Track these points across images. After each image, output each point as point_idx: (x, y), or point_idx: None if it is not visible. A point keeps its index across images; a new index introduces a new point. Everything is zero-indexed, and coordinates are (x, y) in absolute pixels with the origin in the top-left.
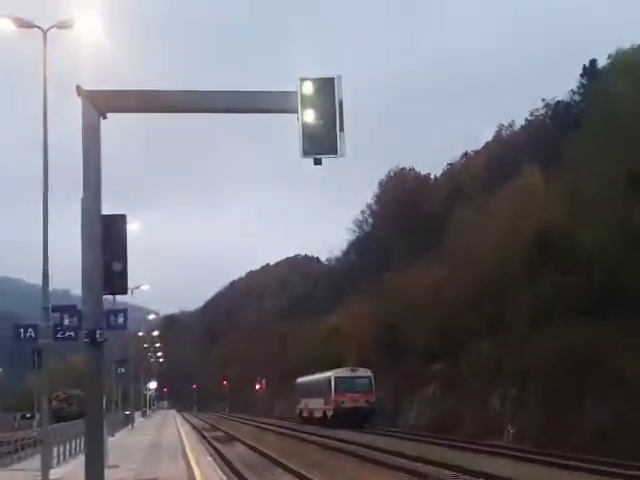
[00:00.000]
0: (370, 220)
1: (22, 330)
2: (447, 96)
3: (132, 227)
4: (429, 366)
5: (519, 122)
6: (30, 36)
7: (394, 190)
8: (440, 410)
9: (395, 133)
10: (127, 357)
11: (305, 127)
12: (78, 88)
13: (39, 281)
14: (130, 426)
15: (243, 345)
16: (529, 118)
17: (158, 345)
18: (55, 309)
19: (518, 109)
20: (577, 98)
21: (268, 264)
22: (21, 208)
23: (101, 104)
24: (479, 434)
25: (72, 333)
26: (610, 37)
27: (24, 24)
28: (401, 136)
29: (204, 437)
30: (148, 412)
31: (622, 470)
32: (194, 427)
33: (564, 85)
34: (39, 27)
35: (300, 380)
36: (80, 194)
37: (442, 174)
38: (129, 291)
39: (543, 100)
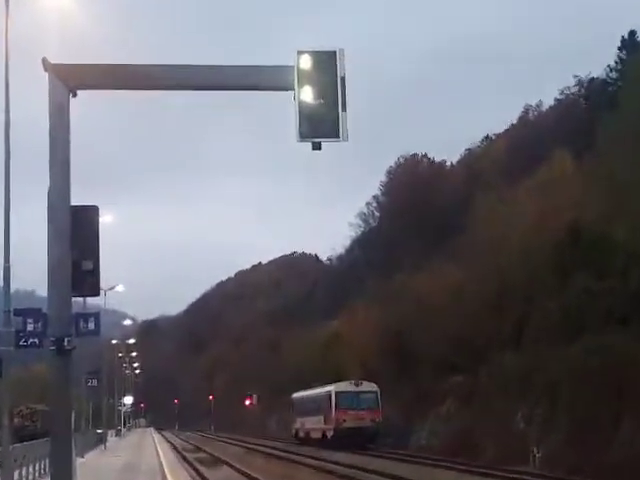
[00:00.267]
0: (377, 213)
1: None
2: (465, 74)
3: (105, 219)
4: (444, 379)
5: (547, 102)
6: None
7: (404, 179)
8: (456, 430)
9: (405, 115)
10: (99, 368)
11: (302, 106)
12: (44, 61)
13: None
14: (102, 446)
15: (231, 354)
16: (559, 97)
17: (135, 354)
18: (17, 313)
19: (547, 87)
20: (614, 75)
21: (260, 263)
22: None
23: (70, 80)
24: (501, 458)
25: (36, 340)
26: None
27: None
28: (412, 118)
29: (185, 459)
30: (123, 431)
31: None
32: (174, 447)
33: (599, 60)
34: None
35: (296, 395)
36: (46, 182)
37: (459, 160)
38: (102, 292)
39: (575, 77)
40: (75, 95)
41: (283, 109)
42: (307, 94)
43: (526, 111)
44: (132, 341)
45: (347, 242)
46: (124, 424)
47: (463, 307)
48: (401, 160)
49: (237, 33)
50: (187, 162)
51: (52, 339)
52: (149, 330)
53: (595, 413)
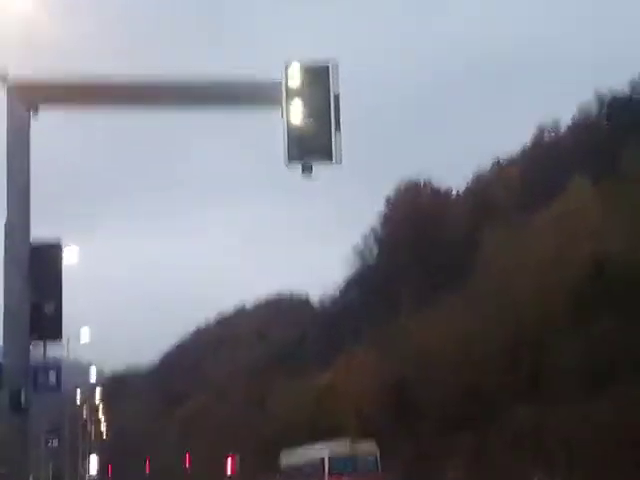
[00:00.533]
0: (375, 248)
1: None
2: (471, 91)
3: (70, 256)
4: (451, 436)
5: (565, 122)
6: None
7: (405, 209)
8: None
9: (405, 135)
10: (61, 426)
11: (292, 126)
12: (1, 75)
13: None
14: None
15: (211, 410)
16: (578, 117)
17: (101, 410)
18: None
19: (564, 106)
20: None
21: (244, 307)
22: None
23: (32, 96)
24: None
25: None
26: None
27: None
28: (412, 139)
29: None
30: None
31: None
32: None
33: (622, 75)
34: None
35: (283, 457)
36: (3, 213)
37: (467, 188)
38: (64, 340)
39: (596, 94)
40: (37, 113)
41: (271, 128)
42: (297, 112)
43: (541, 132)
44: (99, 396)
45: (341, 281)
46: None
47: (471, 353)
48: (402, 188)
49: (221, 43)
50: (164, 190)
51: (8, 394)
52: (118, 383)
53: (622, 478)
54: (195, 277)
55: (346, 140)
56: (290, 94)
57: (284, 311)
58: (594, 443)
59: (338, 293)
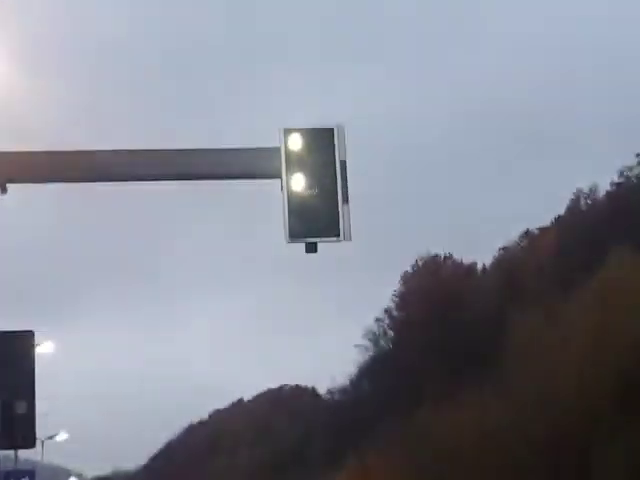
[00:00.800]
0: (390, 332)
1: None
2: (497, 151)
3: (44, 348)
4: None
5: (604, 187)
6: None
7: (424, 287)
8: None
9: (422, 201)
10: None
11: (293, 198)
12: None
13: None
14: None
15: None
16: (618, 182)
17: None
18: None
19: (603, 169)
20: None
21: (242, 400)
22: None
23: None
24: None
25: None
26: None
27: None
28: (429, 211)
29: None
30: None
31: None
32: None
33: None
34: None
35: None
36: None
37: (493, 263)
38: (38, 442)
39: (638, 156)
40: (5, 191)
41: (270, 201)
42: (298, 182)
43: (576, 199)
44: None
45: (352, 370)
46: None
47: (502, 454)
48: (419, 263)
49: (211, 108)
50: (150, 275)
51: None
52: None
53: None
54: (186, 370)
55: (355, 213)
56: (290, 162)
57: (287, 404)
58: None
59: (348, 383)
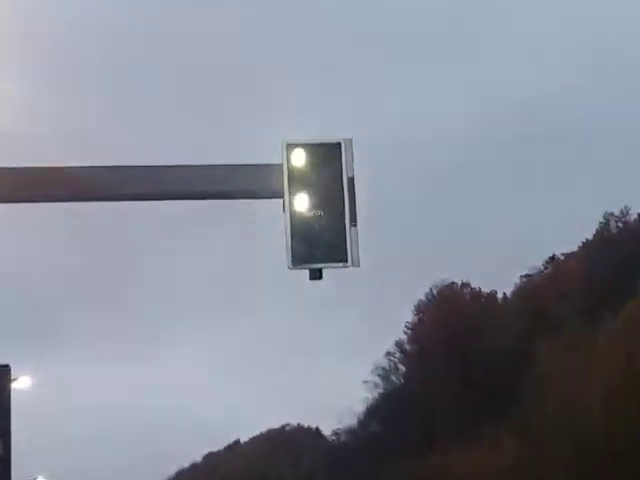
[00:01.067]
0: (402, 367)
1: None
2: (518, 169)
3: (21, 383)
4: None
5: (636, 209)
6: None
7: (439, 317)
8: None
9: (437, 229)
10: None
11: (296, 220)
12: None
13: None
14: None
15: None
16: None
17: None
18: None
19: (634, 190)
20: None
21: (238, 441)
22: None
23: None
24: None
25: None
26: None
27: None
28: (447, 234)
29: None
30: None
31: None
32: None
33: None
34: None
35: None
36: None
37: (515, 291)
38: None
39: None
40: None
41: (271, 221)
42: (302, 202)
43: (606, 222)
44: None
45: (360, 409)
46: None
47: None
48: (435, 291)
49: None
50: (138, 301)
51: None
52: None
53: None
54: (176, 407)
55: (363, 237)
56: (293, 180)
57: (289, 446)
58: None
59: (356, 423)
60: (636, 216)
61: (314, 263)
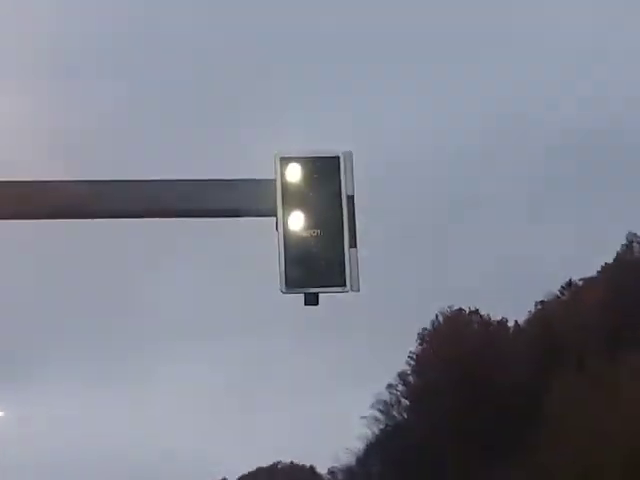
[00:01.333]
0: (404, 401)
1: None
2: (530, 186)
3: None
4: None
5: None
6: None
7: (445, 346)
8: None
9: (443, 251)
10: None
11: (290, 240)
12: None
13: None
14: None
15: None
16: None
17: None
18: None
19: None
20: None
21: None
22: None
23: None
24: None
25: None
26: None
27: None
28: (454, 256)
29: None
30: None
31: None
32: None
33: None
34: None
35: None
36: None
37: (528, 319)
38: None
39: None
40: None
41: (261, 241)
42: (296, 221)
43: (629, 244)
44: None
45: (358, 446)
46: None
47: None
48: (440, 319)
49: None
50: (118, 327)
51: None
52: None
53: None
54: (157, 441)
55: (364, 259)
56: (287, 197)
57: None
58: None
59: (354, 461)
60: None
61: (310, 287)
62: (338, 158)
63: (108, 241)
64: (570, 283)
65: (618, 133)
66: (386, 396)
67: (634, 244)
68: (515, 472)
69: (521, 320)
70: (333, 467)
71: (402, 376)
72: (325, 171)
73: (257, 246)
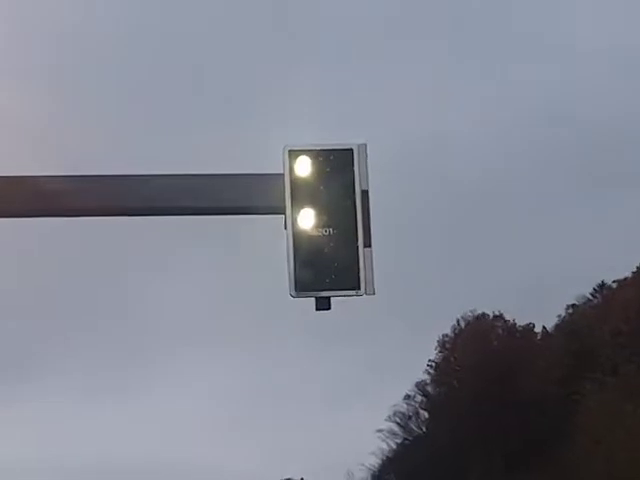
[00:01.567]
0: (423, 412)
1: None
2: (558, 185)
3: None
4: None
5: None
6: None
7: (468, 354)
8: None
9: (465, 252)
10: None
11: (299, 240)
12: None
13: None
14: None
15: None
16: None
17: None
18: None
19: None
20: None
21: None
22: None
23: None
24: None
25: None
26: None
27: None
28: (476, 258)
29: None
30: None
31: None
32: None
33: None
34: None
35: None
36: None
37: (557, 325)
38: None
39: None
40: None
41: (270, 240)
42: (307, 219)
43: None
44: None
45: (373, 461)
46: None
47: None
48: (461, 324)
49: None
50: (119, 329)
51: None
52: None
53: None
54: (159, 454)
55: (379, 260)
56: (297, 193)
57: None
58: None
59: (369, 479)
60: None
61: (321, 291)
62: (351, 150)
63: (108, 242)
64: (603, 285)
65: None
66: (403, 408)
67: None
68: None
69: (549, 325)
70: None
71: (421, 386)
72: (337, 164)
73: (266, 246)
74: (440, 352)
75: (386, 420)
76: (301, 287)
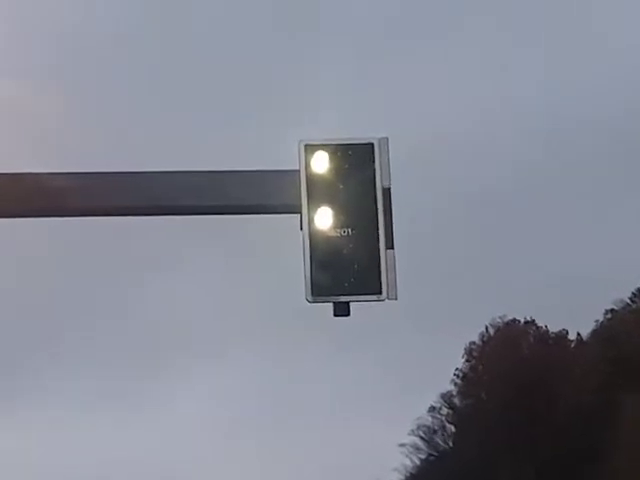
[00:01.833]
0: (449, 426)
1: None
2: (593, 184)
3: None
4: None
5: None
6: None
7: (498, 363)
8: None
9: (494, 255)
10: None
11: (317, 241)
12: None
13: None
14: None
15: None
16: None
17: None
18: None
19: None
20: None
21: None
22: None
23: None
24: None
25: None
26: None
27: None
28: (506, 260)
29: None
30: None
31: None
32: None
33: None
34: None
35: None
36: None
37: (594, 331)
38: None
39: None
40: None
41: (285, 241)
42: (324, 219)
43: None
44: None
45: (397, 478)
46: None
47: None
48: (490, 331)
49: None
50: (120, 335)
51: None
52: None
53: None
54: (163, 472)
55: (402, 262)
56: (313, 190)
57: None
58: None
59: None
60: None
61: (340, 295)
62: (372, 145)
63: (111, 242)
64: None
65: None
66: (428, 421)
67: None
68: None
69: (584, 332)
70: None
71: (446, 397)
72: (357, 160)
73: (282, 248)
74: (467, 361)
75: (409, 434)
76: (318, 292)
